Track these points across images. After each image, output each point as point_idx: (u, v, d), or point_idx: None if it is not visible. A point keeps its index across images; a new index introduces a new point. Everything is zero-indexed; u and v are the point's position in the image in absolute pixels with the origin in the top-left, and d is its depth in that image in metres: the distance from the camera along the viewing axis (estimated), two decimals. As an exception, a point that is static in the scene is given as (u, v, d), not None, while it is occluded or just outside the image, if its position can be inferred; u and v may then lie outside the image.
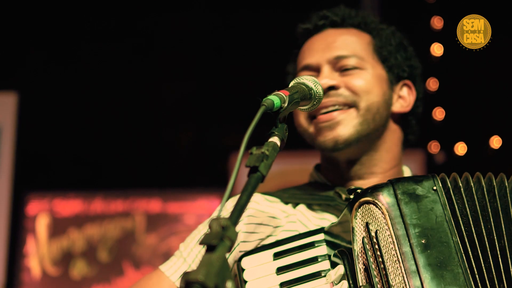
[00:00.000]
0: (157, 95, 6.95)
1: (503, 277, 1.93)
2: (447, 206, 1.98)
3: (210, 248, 1.45)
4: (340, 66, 2.43)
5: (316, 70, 2.43)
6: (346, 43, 2.48)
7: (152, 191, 7.02)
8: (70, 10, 6.88)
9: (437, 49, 5.46)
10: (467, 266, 1.91)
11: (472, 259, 1.93)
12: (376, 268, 1.91)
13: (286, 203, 2.41)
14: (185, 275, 1.37)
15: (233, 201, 2.38)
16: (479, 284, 1.90)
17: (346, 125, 2.34)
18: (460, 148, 6.03)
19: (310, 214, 2.35)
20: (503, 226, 1.99)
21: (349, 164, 2.40)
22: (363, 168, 2.40)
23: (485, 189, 2.04)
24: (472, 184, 2.03)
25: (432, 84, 5.89)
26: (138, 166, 6.91)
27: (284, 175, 6.06)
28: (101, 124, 6.90)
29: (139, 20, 6.91)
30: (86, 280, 6.92)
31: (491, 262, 1.94)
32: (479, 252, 1.95)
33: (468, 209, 1.99)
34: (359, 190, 2.08)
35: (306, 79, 2.13)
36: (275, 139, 1.80)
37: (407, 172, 2.54)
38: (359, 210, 1.98)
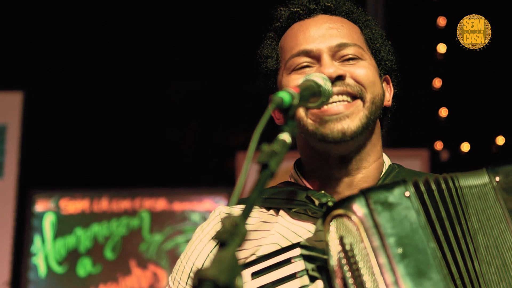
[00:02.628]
0: (163, 94, 6.97)
1: (482, 278, 1.91)
2: (421, 211, 1.94)
3: (222, 245, 1.47)
4: (341, 55, 2.31)
5: (314, 57, 2.30)
6: (345, 31, 2.36)
7: (158, 190, 7.04)
8: (75, 10, 6.90)
9: (442, 48, 5.47)
10: (446, 272, 1.88)
11: (450, 263, 1.90)
12: (354, 282, 1.86)
13: (268, 208, 2.35)
14: (198, 272, 1.38)
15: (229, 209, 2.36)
16: None
17: (354, 118, 2.25)
18: (465, 147, 6.04)
19: (289, 222, 2.28)
20: (477, 226, 1.97)
21: (341, 159, 2.30)
22: (352, 163, 2.30)
23: (458, 189, 2.00)
24: (444, 186, 1.99)
25: (437, 83, 5.90)
26: (144, 165, 6.93)
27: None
28: (107, 123, 6.92)
29: (144, 19, 6.93)
30: (92, 278, 6.94)
31: (470, 264, 1.92)
32: (458, 255, 1.92)
33: (443, 212, 1.96)
34: (330, 203, 2.05)
35: (315, 76, 2.11)
36: (285, 136, 1.78)
37: (387, 161, 2.46)
38: (332, 224, 1.92)
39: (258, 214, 2.35)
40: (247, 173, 1.59)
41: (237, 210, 2.25)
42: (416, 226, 1.91)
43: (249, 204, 1.59)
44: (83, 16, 6.93)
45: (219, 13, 6.90)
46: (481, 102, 5.92)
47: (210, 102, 6.91)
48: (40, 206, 7.05)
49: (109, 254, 6.99)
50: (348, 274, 1.87)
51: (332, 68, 2.25)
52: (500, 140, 5.95)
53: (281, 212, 2.31)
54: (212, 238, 2.02)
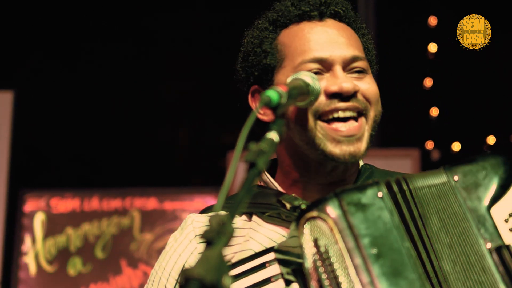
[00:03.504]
0: (155, 94, 6.96)
1: (449, 277, 1.91)
2: (395, 211, 1.94)
3: (209, 244, 1.46)
4: (351, 67, 2.28)
5: (326, 65, 2.25)
6: (354, 42, 2.33)
7: (149, 189, 7.03)
8: (67, 9, 6.89)
9: (432, 48, 5.48)
10: (421, 270, 1.88)
11: (425, 262, 1.90)
12: (329, 284, 1.86)
13: (240, 213, 2.32)
14: (185, 271, 1.37)
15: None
16: (436, 287, 1.88)
17: (363, 140, 2.23)
18: (456, 146, 6.05)
19: (262, 227, 2.26)
20: (440, 225, 1.97)
21: (331, 171, 2.27)
22: (340, 174, 2.31)
23: (423, 189, 2.00)
24: (412, 185, 1.99)
25: (428, 82, 5.91)
26: (135, 164, 6.92)
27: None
28: (98, 123, 6.91)
29: (138, 20, 6.92)
30: (82, 277, 6.93)
31: (446, 264, 1.92)
32: (432, 253, 1.92)
33: (416, 212, 1.96)
34: (303, 206, 2.04)
35: (304, 74, 2.10)
36: (273, 135, 1.78)
37: (360, 162, 2.44)
38: (306, 226, 1.91)
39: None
40: (235, 172, 1.58)
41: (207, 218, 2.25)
42: (390, 226, 1.91)
43: (236, 203, 1.59)
44: (76, 15, 6.92)
45: (213, 13, 6.89)
46: (472, 102, 5.93)
47: (202, 103, 6.91)
48: (30, 205, 7.04)
49: (99, 253, 6.98)
50: (324, 276, 1.87)
51: (350, 84, 2.22)
52: (491, 140, 5.96)
53: (254, 217, 2.29)
54: (198, 237, 2.00)
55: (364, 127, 2.25)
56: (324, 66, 2.26)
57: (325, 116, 2.22)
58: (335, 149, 2.21)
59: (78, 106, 6.92)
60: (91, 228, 7.01)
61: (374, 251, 1.86)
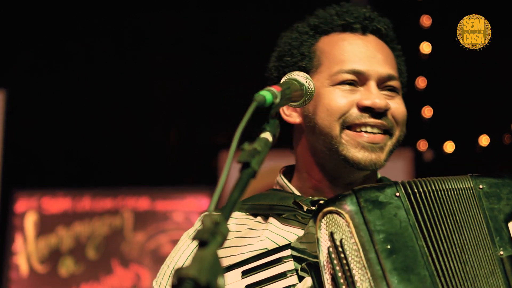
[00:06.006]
0: (147, 93, 6.96)
1: (468, 279, 1.97)
2: (411, 211, 2.00)
3: (202, 244, 1.45)
4: (385, 85, 2.35)
5: (361, 78, 2.32)
6: (391, 61, 2.41)
7: (141, 189, 7.02)
8: (59, 8, 6.87)
9: (425, 48, 5.47)
10: (433, 268, 1.93)
11: (437, 262, 1.95)
12: (342, 276, 1.91)
13: (255, 215, 2.37)
14: (178, 271, 1.36)
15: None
16: (445, 287, 1.93)
17: (384, 151, 2.31)
18: (449, 146, 6.05)
19: (279, 228, 2.30)
20: (462, 227, 2.03)
21: (349, 183, 2.32)
22: (359, 185, 2.35)
23: (435, 192, 2.06)
24: (431, 187, 2.06)
25: (421, 82, 5.91)
26: (127, 164, 6.91)
27: (273, 173, 6.05)
28: (90, 122, 6.90)
29: (129, 19, 6.91)
30: (74, 277, 6.92)
31: (456, 264, 1.97)
32: (444, 254, 1.97)
33: (431, 213, 2.02)
34: (322, 201, 2.08)
35: (297, 74, 2.09)
36: (267, 135, 1.77)
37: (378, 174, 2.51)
38: (323, 220, 1.98)
39: (244, 221, 2.36)
40: (229, 172, 1.57)
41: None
42: (406, 224, 1.97)
43: (230, 203, 1.58)
44: (67, 15, 6.90)
45: (205, 13, 6.89)
46: (465, 102, 5.93)
47: (194, 102, 6.90)
48: (22, 205, 7.02)
49: (91, 253, 6.96)
50: (338, 268, 1.92)
51: (383, 101, 2.29)
52: (484, 140, 5.96)
53: (271, 218, 2.33)
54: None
55: (387, 141, 2.32)
56: (360, 78, 2.32)
57: (353, 128, 2.28)
58: (358, 154, 2.27)
59: (69, 106, 6.90)
60: (83, 228, 7.00)
61: (388, 246, 1.92)
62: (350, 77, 2.31)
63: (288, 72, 2.30)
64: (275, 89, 1.89)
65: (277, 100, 1.86)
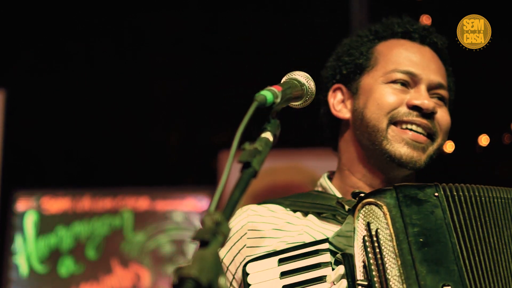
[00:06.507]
0: (147, 93, 6.95)
1: (499, 280, 2.02)
2: (447, 211, 2.05)
3: (203, 244, 1.45)
4: (434, 92, 2.47)
5: (413, 80, 2.45)
6: (443, 73, 2.53)
7: (141, 189, 7.02)
8: (59, 8, 6.86)
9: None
10: (462, 264, 1.97)
11: (468, 259, 2.00)
12: (374, 263, 1.97)
13: (294, 211, 2.44)
14: (178, 270, 1.37)
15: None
16: (473, 284, 1.97)
17: (426, 153, 2.41)
18: (448, 146, 6.05)
19: (318, 225, 2.37)
20: (500, 233, 2.09)
21: (393, 180, 2.41)
22: (397, 182, 2.42)
23: (478, 197, 2.12)
24: (467, 192, 2.11)
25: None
26: (127, 164, 6.90)
27: (273, 173, 6.06)
28: (90, 122, 6.89)
29: (129, 19, 6.90)
30: (74, 278, 6.91)
31: (487, 264, 2.02)
32: (476, 253, 2.02)
33: (468, 215, 2.07)
34: (362, 194, 2.13)
35: (298, 74, 2.10)
36: (268, 135, 1.79)
37: None
38: (362, 211, 2.04)
39: (283, 216, 2.43)
40: (229, 171, 1.58)
41: (265, 209, 2.42)
42: (441, 222, 2.03)
43: (231, 203, 1.58)
44: (67, 15, 6.89)
45: (205, 13, 6.88)
46: (464, 101, 5.91)
47: (194, 102, 6.90)
48: (21, 205, 7.01)
49: (91, 253, 6.96)
50: (371, 256, 1.98)
51: (432, 102, 2.42)
52: (484, 140, 5.96)
53: (310, 216, 2.41)
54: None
55: (429, 145, 2.43)
56: (412, 80, 2.45)
57: (400, 125, 2.40)
58: (401, 149, 2.38)
59: (69, 106, 6.90)
60: (83, 228, 6.99)
61: (421, 239, 1.98)
62: (404, 77, 2.43)
63: (345, 70, 2.52)
64: (276, 88, 1.90)
65: (278, 100, 1.88)
